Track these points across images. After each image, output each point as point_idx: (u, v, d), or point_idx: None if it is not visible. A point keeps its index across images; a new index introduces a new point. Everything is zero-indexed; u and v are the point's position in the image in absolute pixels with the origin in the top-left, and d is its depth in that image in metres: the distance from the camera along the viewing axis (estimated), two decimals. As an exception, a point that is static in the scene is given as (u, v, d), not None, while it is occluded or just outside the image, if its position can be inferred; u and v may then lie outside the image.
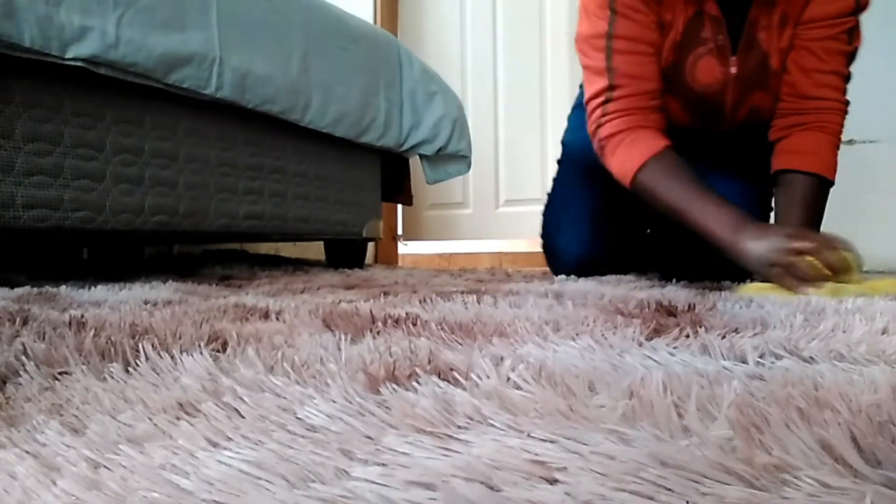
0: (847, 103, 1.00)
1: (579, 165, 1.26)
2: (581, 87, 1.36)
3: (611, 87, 0.99)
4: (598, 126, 1.01)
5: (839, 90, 0.99)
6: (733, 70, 1.01)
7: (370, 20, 2.49)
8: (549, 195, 1.35)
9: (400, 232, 2.70)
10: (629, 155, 0.98)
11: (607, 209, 1.23)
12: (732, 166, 1.15)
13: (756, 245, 0.81)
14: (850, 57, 0.99)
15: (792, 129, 1.00)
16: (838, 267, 0.76)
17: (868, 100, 1.90)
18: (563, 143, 1.38)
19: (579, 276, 1.18)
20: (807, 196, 0.96)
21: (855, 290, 0.73)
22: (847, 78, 0.99)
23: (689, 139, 1.12)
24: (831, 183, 0.99)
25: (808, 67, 0.98)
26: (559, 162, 1.37)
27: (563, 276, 1.20)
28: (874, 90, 1.87)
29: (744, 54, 1.00)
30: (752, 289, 0.81)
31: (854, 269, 0.77)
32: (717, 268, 1.06)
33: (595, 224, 1.23)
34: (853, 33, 0.98)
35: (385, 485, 0.21)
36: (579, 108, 1.31)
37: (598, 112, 1.01)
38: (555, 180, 1.35)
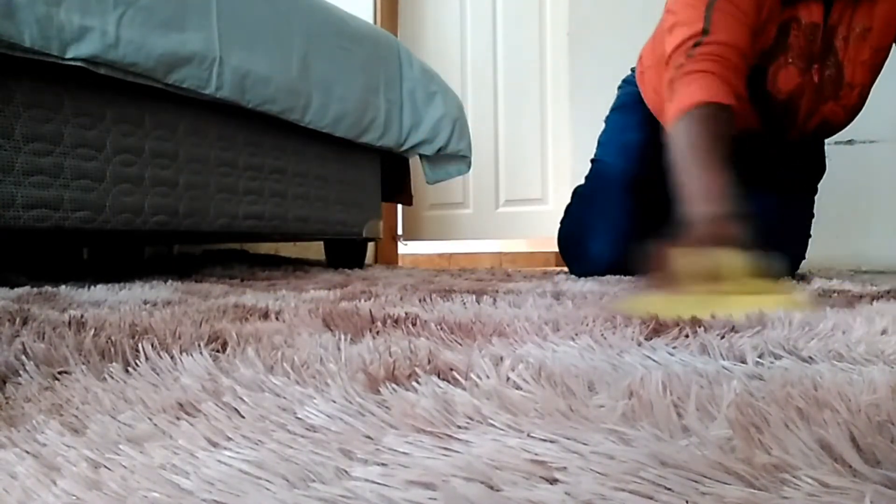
0: None
1: (618, 172, 1.26)
2: (620, 87, 1.36)
3: (704, 32, 0.93)
4: (678, 67, 0.95)
5: None
6: (815, 78, 1.01)
7: (370, 20, 2.49)
8: (578, 194, 1.34)
9: (400, 232, 2.70)
10: (690, 91, 0.92)
11: (643, 215, 1.23)
12: (777, 163, 1.16)
13: (701, 222, 0.78)
14: None
15: None
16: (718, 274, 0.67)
17: (868, 100, 1.90)
18: (601, 143, 1.37)
19: (603, 276, 1.18)
20: None
21: (730, 306, 0.59)
22: None
23: (749, 147, 1.12)
24: None
25: None
26: (595, 161, 1.35)
27: (562, 276, 1.20)
28: (874, 90, 1.87)
29: (824, 63, 1.00)
30: (639, 304, 0.66)
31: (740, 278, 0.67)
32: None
33: (631, 230, 1.23)
34: None
35: (385, 484, 0.21)
36: (616, 112, 1.31)
37: (681, 55, 0.95)
38: (589, 179, 1.34)
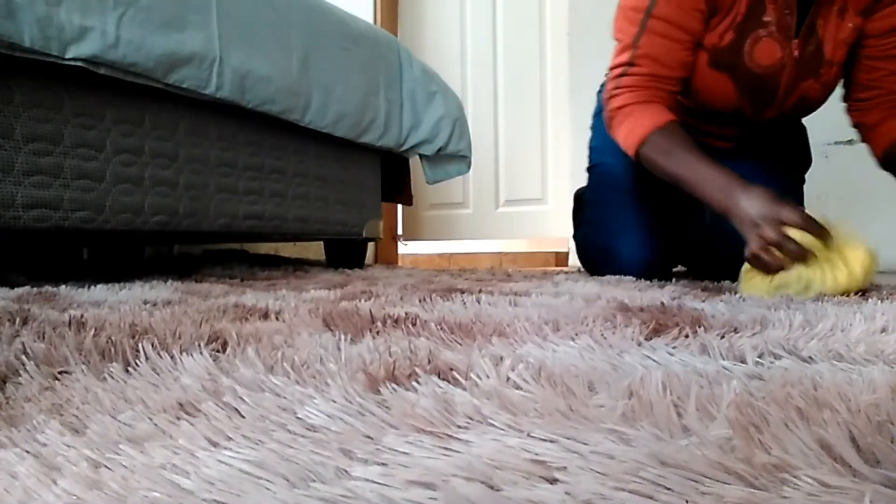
0: None
1: (624, 169, 1.24)
2: (599, 92, 1.36)
3: (630, 63, 1.02)
4: (610, 97, 1.05)
5: None
6: (795, 53, 1.02)
7: (370, 20, 2.50)
8: (589, 201, 1.32)
9: (400, 232, 2.70)
10: (634, 126, 1.00)
11: (664, 209, 1.22)
12: (766, 156, 1.17)
13: (747, 207, 0.84)
14: None
15: (888, 115, 1.03)
16: (816, 244, 0.78)
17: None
18: (594, 147, 1.35)
19: (641, 278, 1.14)
20: None
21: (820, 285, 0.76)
22: None
23: (728, 126, 1.15)
24: None
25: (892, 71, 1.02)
26: (594, 166, 1.33)
27: (562, 276, 1.20)
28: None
29: (805, 38, 1.01)
30: (747, 287, 0.83)
31: (833, 241, 0.78)
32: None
33: (656, 225, 1.21)
34: None
35: (385, 484, 0.21)
36: (600, 115, 1.31)
37: (613, 84, 1.05)
38: (595, 185, 1.32)
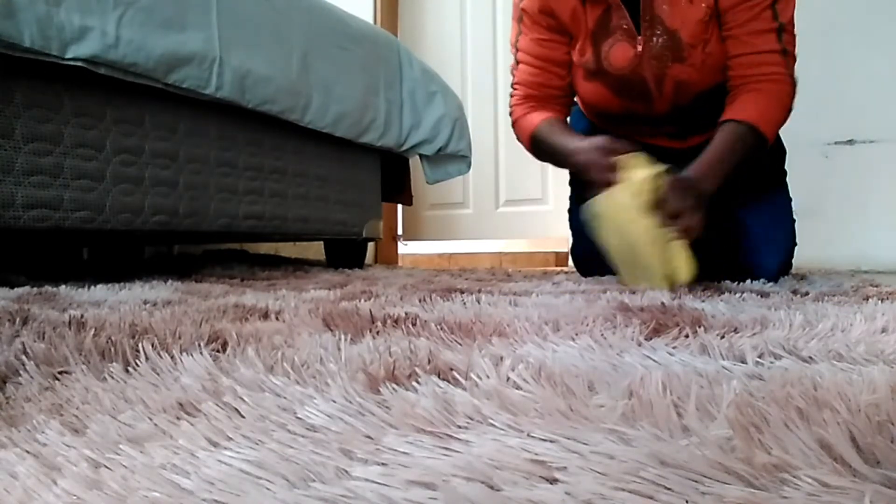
0: (790, 76, 1.02)
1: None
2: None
3: (513, 86, 1.21)
4: (509, 113, 1.24)
5: (775, 64, 1.01)
6: (639, 48, 1.07)
7: (370, 20, 2.49)
8: (574, 199, 1.33)
9: (400, 232, 2.70)
10: (523, 130, 1.19)
11: None
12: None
13: (582, 149, 1.01)
14: (780, 32, 1.01)
15: (733, 96, 1.05)
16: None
17: (868, 100, 1.90)
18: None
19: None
20: (716, 141, 0.99)
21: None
22: (784, 52, 1.01)
23: (660, 125, 1.18)
24: (751, 129, 0.99)
25: (737, 53, 1.03)
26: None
27: (562, 276, 1.20)
28: (874, 90, 1.87)
29: (647, 32, 1.06)
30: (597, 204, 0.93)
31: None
32: (733, 268, 1.07)
33: None
34: (776, 8, 1.00)
35: (385, 484, 0.21)
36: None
37: (510, 101, 1.23)
38: (575, 181, 1.33)
